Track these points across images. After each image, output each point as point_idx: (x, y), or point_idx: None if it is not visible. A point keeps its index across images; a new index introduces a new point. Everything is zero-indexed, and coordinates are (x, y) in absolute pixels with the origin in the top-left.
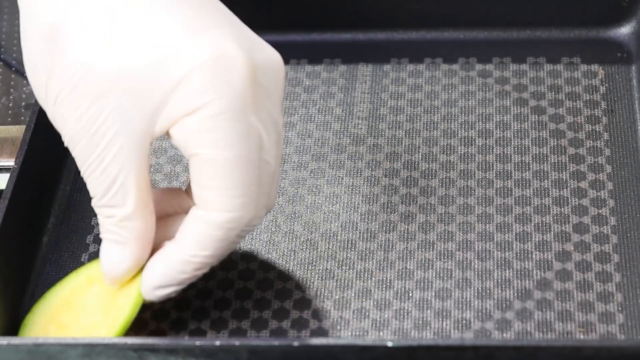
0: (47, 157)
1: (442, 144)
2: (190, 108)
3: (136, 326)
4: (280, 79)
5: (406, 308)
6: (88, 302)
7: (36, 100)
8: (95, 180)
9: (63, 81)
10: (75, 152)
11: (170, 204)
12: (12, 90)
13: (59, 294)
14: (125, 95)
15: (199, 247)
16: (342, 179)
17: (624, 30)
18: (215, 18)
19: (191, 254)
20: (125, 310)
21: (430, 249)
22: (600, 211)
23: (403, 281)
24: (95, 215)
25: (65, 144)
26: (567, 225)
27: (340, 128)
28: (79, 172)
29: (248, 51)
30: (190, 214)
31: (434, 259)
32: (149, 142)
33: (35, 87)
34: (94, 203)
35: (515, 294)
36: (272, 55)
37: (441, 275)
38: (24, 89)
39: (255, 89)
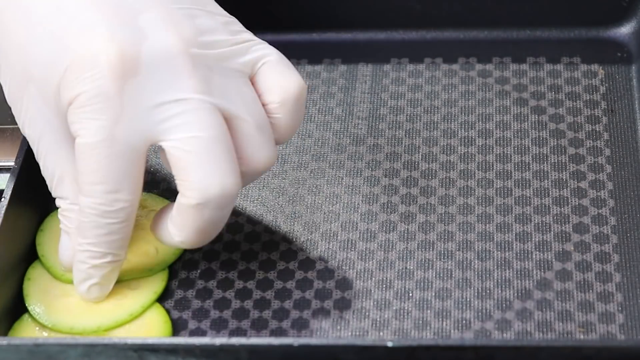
0: None
1: (442, 144)
2: (66, 100)
3: None
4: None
5: (406, 308)
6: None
7: None
8: (43, 172)
9: (3, 74)
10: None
11: None
12: None
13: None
14: (35, 89)
15: (80, 235)
16: (342, 179)
17: (624, 30)
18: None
19: (78, 244)
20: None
21: (430, 249)
22: (600, 211)
23: (403, 281)
24: None
25: None
26: (567, 225)
27: (340, 128)
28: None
29: (122, 44)
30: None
31: (434, 259)
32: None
33: None
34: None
35: (515, 294)
36: (158, 41)
37: (441, 275)
38: None
39: (127, 80)
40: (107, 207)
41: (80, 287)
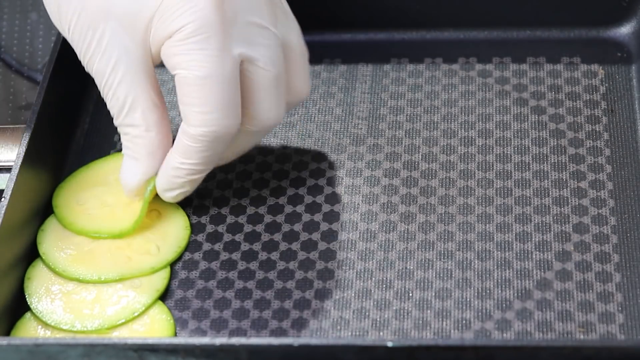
0: (47, 157)
1: (442, 144)
2: (167, 33)
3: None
4: None
5: (406, 308)
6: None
7: (36, 100)
8: (109, 102)
9: (70, 11)
10: (93, 76)
11: None
12: (12, 90)
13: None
14: (117, 23)
15: (184, 156)
16: (342, 179)
17: (624, 30)
18: None
19: (179, 162)
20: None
21: (430, 249)
22: (600, 211)
23: (403, 281)
24: None
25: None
26: (567, 225)
27: (340, 128)
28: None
29: None
30: (180, 127)
31: (434, 259)
32: (151, 66)
33: (51, 15)
34: (114, 122)
35: (515, 294)
36: None
37: (441, 275)
38: (24, 88)
39: (223, 9)
40: (218, 133)
41: (168, 194)
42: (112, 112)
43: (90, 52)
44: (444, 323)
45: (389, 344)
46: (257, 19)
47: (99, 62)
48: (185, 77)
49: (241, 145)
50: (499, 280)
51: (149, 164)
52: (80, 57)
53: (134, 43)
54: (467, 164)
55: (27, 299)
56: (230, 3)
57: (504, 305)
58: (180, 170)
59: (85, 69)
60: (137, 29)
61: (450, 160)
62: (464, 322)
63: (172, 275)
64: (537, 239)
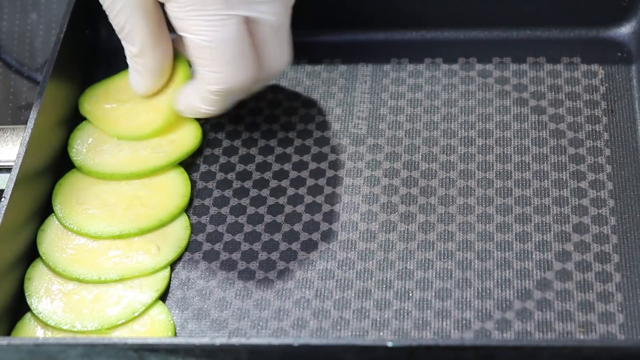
0: (47, 157)
1: (442, 144)
2: None
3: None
4: None
5: (406, 308)
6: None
7: (36, 100)
8: (112, 23)
9: None
10: None
11: None
12: (12, 90)
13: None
14: None
15: (203, 103)
16: (342, 179)
17: (624, 30)
18: None
19: (198, 106)
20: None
21: (430, 249)
22: (600, 211)
23: (403, 281)
24: None
25: None
26: (567, 225)
27: (340, 128)
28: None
29: None
30: (196, 75)
31: (434, 259)
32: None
33: None
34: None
35: (515, 294)
36: None
37: (441, 275)
38: (24, 89)
39: None
40: (232, 88)
41: (187, 114)
42: (115, 29)
43: None
44: (444, 323)
45: (389, 344)
46: None
47: None
48: (192, 41)
49: (254, 88)
50: (499, 280)
51: (150, 79)
52: None
53: None
54: (467, 164)
55: (27, 300)
56: None
57: (504, 305)
58: (199, 111)
59: None
60: None
61: (450, 160)
62: (464, 322)
63: (172, 275)
64: (537, 239)
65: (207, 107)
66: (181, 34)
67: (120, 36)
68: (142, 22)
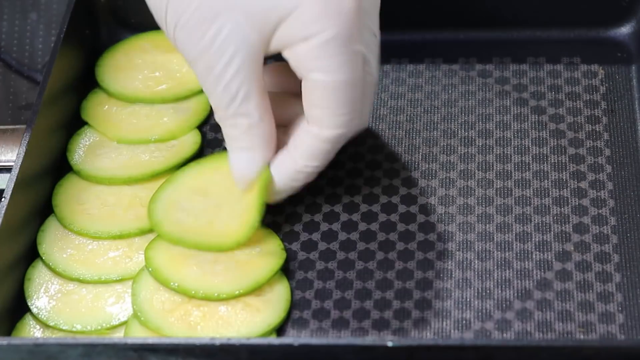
0: (47, 157)
1: (442, 144)
2: (303, 35)
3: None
4: None
5: (406, 308)
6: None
7: (36, 100)
8: (219, 94)
9: (182, 6)
10: (197, 71)
11: (283, 110)
12: (12, 90)
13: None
14: (243, 16)
15: (311, 159)
16: (342, 179)
17: (624, 30)
18: None
19: (303, 165)
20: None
21: (430, 249)
22: (600, 211)
23: (403, 281)
24: None
25: (189, 64)
26: (567, 225)
27: None
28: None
29: None
30: (302, 129)
31: (434, 259)
32: (264, 55)
33: (155, 14)
34: (218, 116)
35: (515, 294)
36: None
37: (441, 275)
38: (24, 88)
39: (360, 14)
40: (348, 134)
41: (279, 196)
42: (219, 104)
43: (200, 46)
44: (444, 323)
45: (389, 344)
46: (372, 24)
47: (211, 55)
48: (324, 81)
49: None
50: (499, 280)
51: (264, 153)
52: (185, 51)
53: (258, 37)
54: (467, 164)
55: (27, 300)
56: (364, 7)
57: (504, 305)
58: (302, 173)
59: (188, 64)
60: (265, 24)
61: (450, 160)
62: (464, 322)
63: None
64: (537, 239)
65: (312, 162)
66: (310, 74)
67: (229, 111)
68: (259, 82)
